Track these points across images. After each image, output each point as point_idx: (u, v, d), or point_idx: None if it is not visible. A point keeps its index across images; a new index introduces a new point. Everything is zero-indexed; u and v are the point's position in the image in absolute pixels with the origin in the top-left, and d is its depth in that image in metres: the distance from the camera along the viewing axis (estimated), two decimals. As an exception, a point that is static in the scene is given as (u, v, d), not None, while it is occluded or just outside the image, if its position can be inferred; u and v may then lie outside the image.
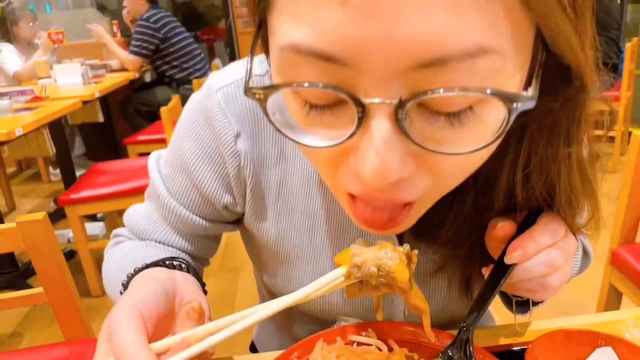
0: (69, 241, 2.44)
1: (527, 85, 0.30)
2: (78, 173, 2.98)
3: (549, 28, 0.28)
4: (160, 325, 0.38)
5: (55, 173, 3.62)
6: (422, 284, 0.54)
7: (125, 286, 0.46)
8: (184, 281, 0.43)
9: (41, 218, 0.89)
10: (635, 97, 3.19)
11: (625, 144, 2.86)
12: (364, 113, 0.28)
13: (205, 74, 3.41)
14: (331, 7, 0.26)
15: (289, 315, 0.64)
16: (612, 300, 1.30)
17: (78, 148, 3.61)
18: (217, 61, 3.66)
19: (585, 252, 0.62)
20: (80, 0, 4.51)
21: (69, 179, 2.55)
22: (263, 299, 0.73)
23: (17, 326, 1.95)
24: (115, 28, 3.91)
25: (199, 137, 0.50)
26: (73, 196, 1.93)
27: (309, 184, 0.50)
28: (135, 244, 0.59)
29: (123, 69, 3.35)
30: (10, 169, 3.89)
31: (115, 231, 0.64)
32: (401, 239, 0.51)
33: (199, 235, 0.58)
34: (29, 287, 2.15)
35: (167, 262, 0.48)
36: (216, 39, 4.91)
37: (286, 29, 0.29)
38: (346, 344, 0.40)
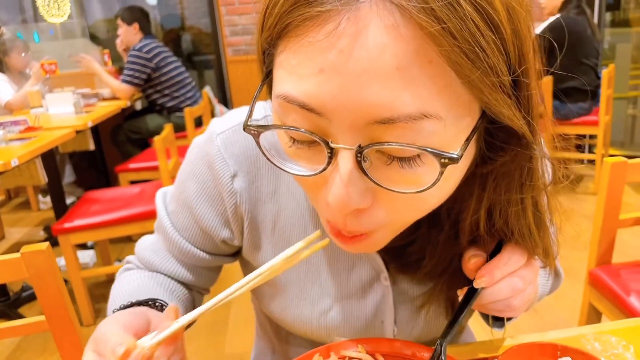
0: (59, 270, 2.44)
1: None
2: (68, 201, 2.99)
3: (488, 104, 0.35)
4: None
5: (44, 201, 3.62)
6: (413, 317, 0.59)
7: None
8: (157, 315, 0.50)
9: (44, 248, 0.93)
10: (614, 121, 3.32)
11: (604, 167, 2.97)
12: (332, 154, 0.36)
13: (196, 102, 3.48)
14: (312, 70, 0.33)
15: (286, 339, 0.69)
16: (592, 319, 1.35)
17: (68, 176, 3.62)
18: (207, 89, 3.72)
19: (555, 272, 0.68)
20: (72, 31, 4.58)
21: (59, 208, 2.57)
22: (261, 325, 0.77)
23: (7, 356, 1.94)
24: (106, 57, 3.98)
25: (201, 179, 0.56)
26: (67, 225, 1.95)
27: (302, 217, 0.56)
28: (138, 275, 0.64)
29: (114, 98, 3.40)
30: (-1, 197, 3.89)
31: (127, 258, 0.69)
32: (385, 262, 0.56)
33: (200, 266, 0.64)
34: (20, 316, 2.15)
35: (149, 303, 0.55)
36: (206, 67, 5.01)
37: (281, 81, 0.36)
38: (339, 358, 0.44)
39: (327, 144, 0.35)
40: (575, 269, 2.27)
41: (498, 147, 0.40)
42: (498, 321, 0.56)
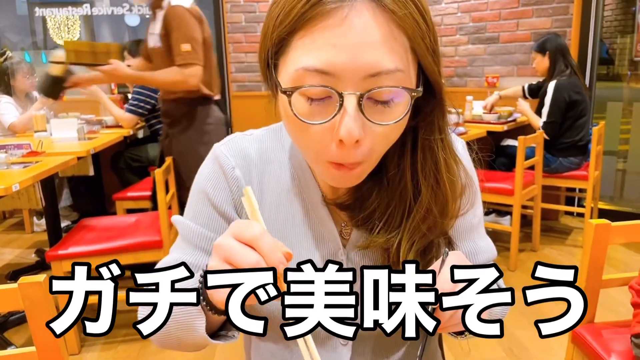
0: (48, 295, 2.43)
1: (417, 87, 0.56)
2: (62, 224, 3.00)
3: (424, 61, 0.54)
4: None
5: (38, 224, 3.62)
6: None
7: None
8: None
9: (41, 280, 0.95)
10: (604, 175, 3.39)
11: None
12: (342, 101, 0.51)
13: (197, 134, 3.54)
14: (327, 45, 0.50)
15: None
16: (575, 377, 1.37)
17: (65, 199, 3.64)
18: (209, 122, 3.78)
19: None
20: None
21: (54, 233, 2.58)
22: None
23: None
24: (112, 85, 4.07)
25: (213, 175, 0.70)
26: (61, 252, 1.97)
27: (278, 204, 0.70)
28: None
29: (118, 125, 3.45)
30: (-7, 217, 3.88)
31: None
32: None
33: None
34: (6, 340, 2.13)
35: None
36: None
37: (300, 58, 0.51)
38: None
39: (339, 94, 0.51)
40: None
41: (425, 96, 0.58)
42: (460, 333, 0.64)
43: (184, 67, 2.23)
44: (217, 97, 2.49)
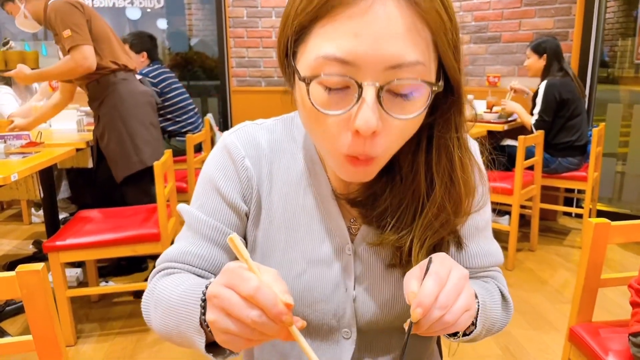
0: (45, 286, 2.42)
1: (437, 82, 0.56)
2: (60, 216, 2.99)
3: (444, 57, 0.54)
4: None
5: (37, 215, 3.62)
6: (371, 286, 0.68)
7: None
8: None
9: (39, 269, 0.95)
10: (603, 177, 3.39)
11: (592, 222, 3.01)
12: (360, 91, 0.50)
13: (197, 128, 3.53)
14: (349, 35, 0.49)
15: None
16: (571, 375, 1.37)
17: (63, 191, 3.62)
18: (209, 116, 3.77)
19: (504, 298, 0.73)
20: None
21: (52, 224, 2.57)
22: None
23: (-16, 372, 1.91)
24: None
25: (222, 164, 0.70)
26: (58, 243, 1.96)
27: (287, 195, 0.70)
28: (188, 276, 0.66)
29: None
30: (-9, 208, 3.87)
31: (160, 265, 0.70)
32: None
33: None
34: (2, 330, 2.12)
35: None
36: (209, 94, 5.09)
37: (320, 46, 0.51)
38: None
39: (359, 84, 0.50)
40: (559, 321, 2.29)
41: (444, 93, 0.58)
42: (453, 335, 0.63)
43: (72, 52, 2.36)
44: (133, 68, 2.64)
